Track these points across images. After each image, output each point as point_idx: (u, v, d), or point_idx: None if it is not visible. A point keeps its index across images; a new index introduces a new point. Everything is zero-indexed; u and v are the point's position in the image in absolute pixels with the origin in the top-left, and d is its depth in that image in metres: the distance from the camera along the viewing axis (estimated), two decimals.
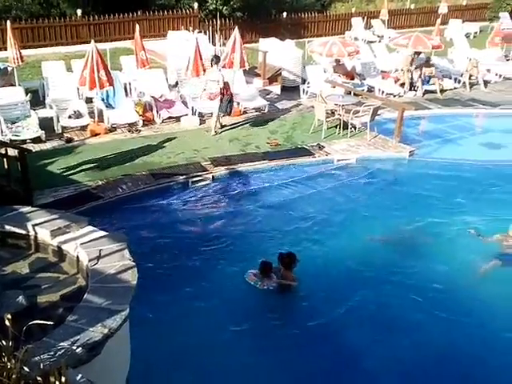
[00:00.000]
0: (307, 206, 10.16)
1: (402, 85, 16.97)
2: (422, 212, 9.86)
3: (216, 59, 13.17)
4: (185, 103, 14.02)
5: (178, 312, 7.09)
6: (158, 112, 13.58)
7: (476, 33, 27.25)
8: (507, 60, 20.24)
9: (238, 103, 14.31)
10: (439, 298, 7.61)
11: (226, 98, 12.83)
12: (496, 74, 18.89)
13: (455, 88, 17.63)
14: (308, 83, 16.35)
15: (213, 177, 10.83)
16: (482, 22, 29.37)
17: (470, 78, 17.62)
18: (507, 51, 20.70)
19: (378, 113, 13.77)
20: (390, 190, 10.91)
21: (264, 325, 7.19)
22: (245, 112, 14.49)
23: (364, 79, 16.91)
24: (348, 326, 7.17)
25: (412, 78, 16.97)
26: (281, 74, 16.80)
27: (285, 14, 24.77)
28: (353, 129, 13.22)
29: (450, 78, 17.99)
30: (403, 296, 7.62)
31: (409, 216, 9.76)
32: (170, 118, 13.61)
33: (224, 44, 17.03)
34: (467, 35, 25.58)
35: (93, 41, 12.35)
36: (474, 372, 6.47)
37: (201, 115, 13.90)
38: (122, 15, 21.74)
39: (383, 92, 16.51)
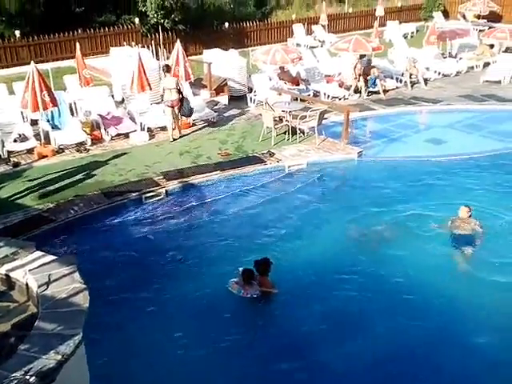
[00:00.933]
0: (264, 213, 10.23)
1: (356, 90, 17.35)
2: (375, 210, 10.10)
3: (167, 68, 13.43)
4: (132, 119, 13.91)
5: (153, 330, 7.06)
6: (105, 130, 13.43)
7: (413, 33, 28.16)
8: (444, 57, 21.01)
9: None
10: (403, 295, 7.80)
11: (187, 102, 13.40)
12: (435, 72, 19.56)
13: (397, 87, 18.15)
14: (254, 92, 16.50)
15: (166, 191, 10.77)
16: (417, 22, 30.38)
17: (410, 77, 18.19)
18: (443, 49, 21.49)
19: (325, 116, 14.03)
20: (341, 192, 11.15)
21: (249, 333, 7.24)
22: (194, 124, 14.49)
23: (309, 84, 17.19)
24: (323, 331, 7.21)
25: (366, 80, 17.33)
26: (227, 84, 16.89)
27: (227, 24, 24.93)
28: (301, 134, 13.41)
29: (392, 78, 18.51)
30: (367, 294, 7.77)
31: (363, 215, 9.98)
32: (118, 134, 13.48)
33: (168, 57, 16.99)
34: (405, 35, 26.43)
35: (32, 62, 12.09)
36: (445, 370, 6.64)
37: (150, 130, 13.84)
38: (62, 34, 21.41)
39: (328, 96, 16.83)
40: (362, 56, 17.68)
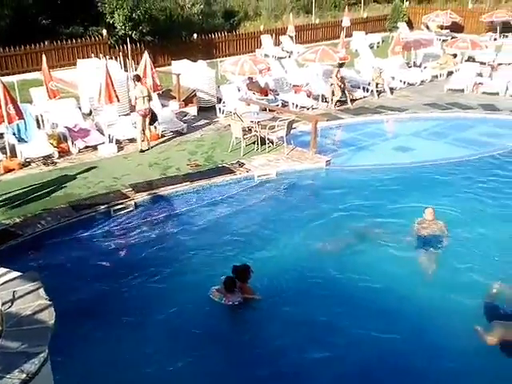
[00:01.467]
0: (234, 223, 10.26)
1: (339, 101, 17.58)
2: (343, 217, 10.25)
3: (137, 77, 13.58)
4: (100, 131, 13.81)
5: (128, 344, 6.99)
6: (73, 142, 13.30)
7: (379, 43, 28.69)
8: (409, 67, 21.46)
9: (156, 127, 14.29)
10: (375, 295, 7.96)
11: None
12: (400, 81, 19.96)
13: (364, 97, 18.46)
14: (223, 102, 16.58)
15: (135, 203, 10.70)
16: (383, 33, 30.99)
17: (376, 86, 18.52)
18: (408, 58, 21.96)
19: (293, 126, 14.18)
20: (310, 200, 11.27)
21: (231, 340, 7.30)
22: (163, 135, 14.47)
23: (277, 94, 17.36)
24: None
25: (344, 89, 17.56)
26: (196, 95, 16.93)
27: (195, 35, 25.00)
28: (270, 144, 13.52)
29: (359, 88, 18.81)
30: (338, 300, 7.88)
31: (332, 222, 10.10)
32: (86, 147, 13.36)
33: (136, 69, 16.94)
34: (371, 46, 26.90)
35: None
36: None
37: (118, 142, 13.75)
38: (28, 46, 21.16)
39: (297, 106, 17.01)
40: (340, 65, 18.01)
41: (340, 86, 17.24)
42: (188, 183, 11.46)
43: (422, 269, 9.04)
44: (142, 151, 13.33)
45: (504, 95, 18.37)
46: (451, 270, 8.54)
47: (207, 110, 16.90)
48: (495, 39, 28.18)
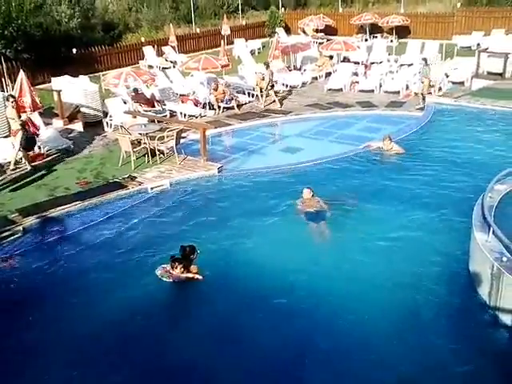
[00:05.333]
0: (131, 238, 10.10)
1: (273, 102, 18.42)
2: (238, 219, 10.48)
3: (12, 98, 13.07)
4: None
5: None
6: None
7: (259, 49, 29.57)
8: (290, 70, 22.33)
9: (40, 147, 13.74)
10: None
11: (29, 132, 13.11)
12: (282, 84, 20.72)
13: (250, 102, 18.95)
14: (110, 116, 16.30)
15: (23, 228, 10.23)
16: (263, 39, 31.96)
17: (260, 91, 19.03)
18: (288, 62, 22.83)
19: (183, 135, 14.27)
20: (204, 207, 11.33)
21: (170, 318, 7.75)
22: (48, 155, 13.93)
23: (165, 105, 17.34)
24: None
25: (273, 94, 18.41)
26: (80, 110, 16.50)
27: (74, 50, 24.25)
28: (161, 155, 13.50)
29: (244, 93, 19.27)
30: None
31: (227, 226, 10.29)
32: None
33: (13, 88, 16.16)
34: (252, 52, 27.68)
35: None
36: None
37: (0, 166, 13.06)
38: None
39: (185, 115, 17.11)
40: (267, 66, 18.84)
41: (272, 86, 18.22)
42: (79, 202, 11.14)
43: (307, 239, 10.09)
44: (14, 168, 12.90)
45: (378, 92, 19.67)
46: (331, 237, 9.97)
47: (94, 126, 16.53)
48: (366, 40, 30.11)
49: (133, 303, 8.12)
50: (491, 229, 7.82)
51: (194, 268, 8.60)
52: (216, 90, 17.69)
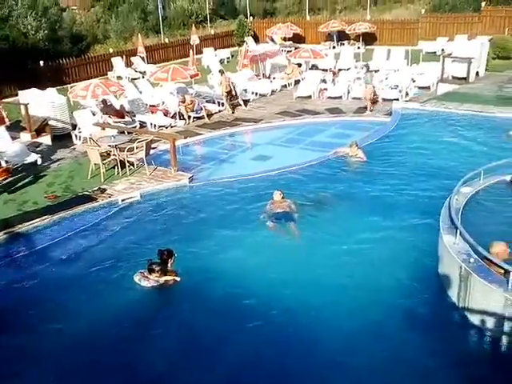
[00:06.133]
0: (101, 251, 9.99)
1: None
2: (209, 229, 10.47)
3: None
4: None
5: None
6: None
7: (229, 58, 29.68)
8: (259, 78, 22.44)
9: (7, 161, 13.52)
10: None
11: None
12: (252, 93, 20.82)
13: (220, 111, 18.97)
14: (79, 128, 16.15)
15: None
16: (232, 48, 32.10)
17: (230, 100, 19.09)
18: (257, 71, 22.96)
19: (153, 146, 14.22)
20: (175, 217, 11.28)
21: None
22: (15, 169, 13.70)
23: (134, 116, 17.25)
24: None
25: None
26: (48, 123, 16.30)
27: (42, 62, 23.95)
28: (131, 166, 13.42)
29: (214, 103, 19.31)
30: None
31: (197, 235, 10.29)
32: None
33: None
34: (221, 61, 27.76)
35: None
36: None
37: None
38: None
39: (155, 125, 17.05)
40: (221, 72, 19.11)
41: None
42: (48, 216, 10.99)
43: (276, 238, 10.39)
44: None
45: (346, 98, 19.93)
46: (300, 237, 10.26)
47: (63, 138, 16.35)
48: (333, 47, 30.49)
49: (109, 313, 8.11)
50: (458, 231, 7.98)
51: (171, 272, 8.75)
52: (184, 101, 17.68)
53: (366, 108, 18.09)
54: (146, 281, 8.63)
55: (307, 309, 7.91)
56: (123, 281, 8.86)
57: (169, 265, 8.79)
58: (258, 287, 8.53)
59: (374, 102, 18.40)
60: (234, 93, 19.11)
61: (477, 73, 21.25)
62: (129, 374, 6.99)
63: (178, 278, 8.72)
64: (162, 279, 8.63)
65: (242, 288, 8.49)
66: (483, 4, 30.96)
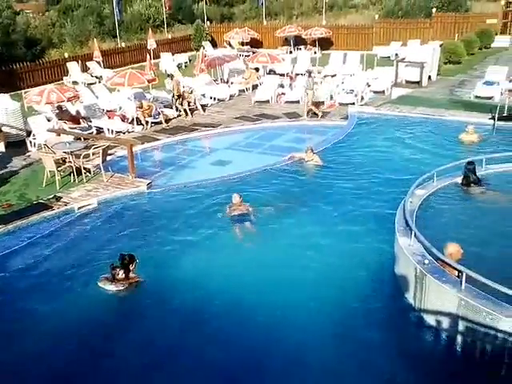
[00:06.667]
0: (58, 260, 9.80)
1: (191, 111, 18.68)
2: (171, 235, 10.43)
3: None
4: None
5: None
6: None
7: (186, 62, 29.59)
8: (217, 83, 22.47)
9: None
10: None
11: None
12: (210, 97, 20.82)
13: (178, 116, 18.88)
14: (33, 135, 15.81)
15: None
16: (189, 52, 32.01)
17: (189, 105, 19.01)
18: (215, 75, 22.99)
19: (110, 152, 14.04)
20: (135, 224, 11.16)
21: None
22: None
23: (90, 122, 16.99)
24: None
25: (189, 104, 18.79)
26: (1, 130, 15.88)
27: None
28: (87, 173, 13.21)
29: (172, 108, 19.20)
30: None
31: (157, 242, 10.23)
32: None
33: None
34: (179, 66, 27.67)
35: None
36: None
37: None
38: None
39: (112, 131, 16.84)
40: (171, 76, 19.13)
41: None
42: (2, 226, 10.72)
43: (235, 240, 10.69)
44: None
45: (303, 103, 20.11)
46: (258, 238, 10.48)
47: (17, 145, 15.99)
48: (290, 52, 30.79)
49: (72, 321, 8.03)
50: (413, 233, 8.17)
51: (133, 277, 8.79)
52: (141, 107, 17.54)
53: (315, 114, 18.18)
54: (111, 285, 8.63)
55: (269, 308, 7.98)
56: (86, 287, 8.78)
57: (131, 269, 8.79)
58: (218, 289, 8.57)
59: (317, 104, 18.42)
60: (189, 98, 19.04)
61: (429, 77, 21.84)
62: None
63: (140, 279, 8.80)
64: (126, 282, 8.65)
65: (202, 290, 8.54)
66: (434, 10, 31.89)
